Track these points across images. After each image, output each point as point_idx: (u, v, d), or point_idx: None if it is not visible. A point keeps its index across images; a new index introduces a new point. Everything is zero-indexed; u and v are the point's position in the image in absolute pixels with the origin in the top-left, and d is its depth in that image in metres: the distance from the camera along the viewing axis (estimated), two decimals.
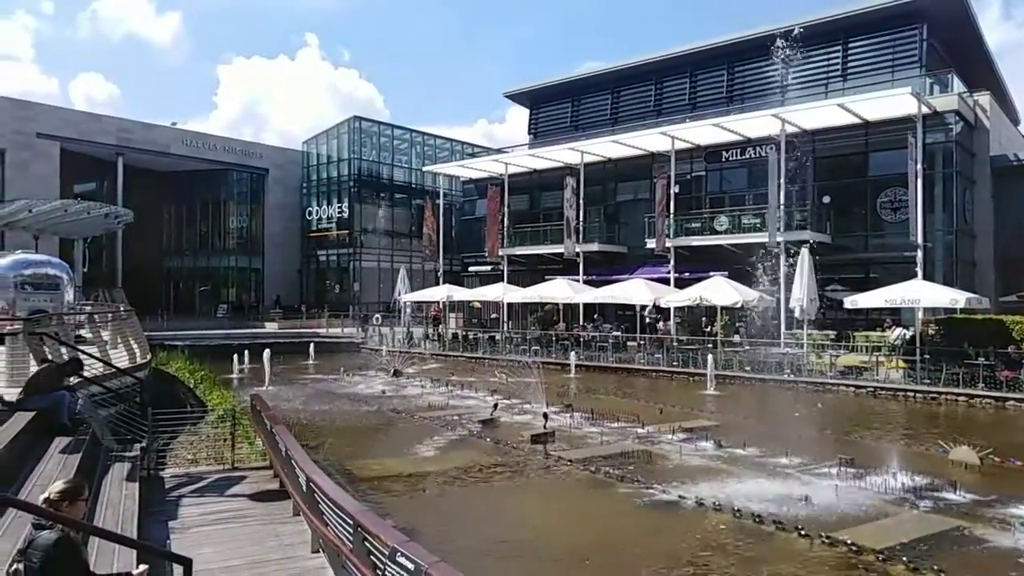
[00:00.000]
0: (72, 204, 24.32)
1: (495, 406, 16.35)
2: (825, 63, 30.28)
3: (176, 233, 50.69)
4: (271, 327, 37.74)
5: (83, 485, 4.02)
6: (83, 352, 11.76)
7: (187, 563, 4.49)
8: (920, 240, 22.52)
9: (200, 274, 49.46)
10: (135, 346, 16.17)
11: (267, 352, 22.35)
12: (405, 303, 35.03)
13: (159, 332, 29.95)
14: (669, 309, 25.41)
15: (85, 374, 11.28)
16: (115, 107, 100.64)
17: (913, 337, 20.20)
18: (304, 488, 6.53)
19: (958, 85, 27.15)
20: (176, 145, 44.92)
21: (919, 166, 22.57)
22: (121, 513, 6.45)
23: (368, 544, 4.58)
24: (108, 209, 25.75)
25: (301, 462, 6.73)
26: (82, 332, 15.59)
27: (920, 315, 21.18)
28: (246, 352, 25.48)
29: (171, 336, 30.02)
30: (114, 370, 12.69)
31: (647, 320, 25.76)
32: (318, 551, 6.46)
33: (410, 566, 3.87)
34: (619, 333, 26.93)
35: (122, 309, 18.73)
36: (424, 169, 47.02)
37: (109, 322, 16.44)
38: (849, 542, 7.88)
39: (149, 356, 17.45)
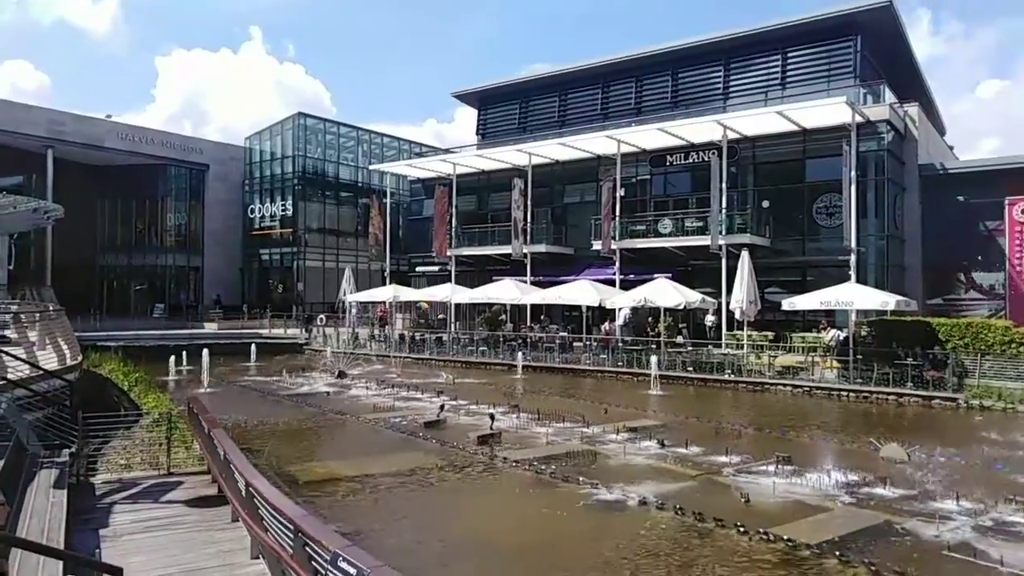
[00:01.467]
0: None
1: (441, 407, 16.27)
2: (765, 72, 31.19)
3: (111, 230, 48.76)
4: (211, 327, 36.71)
5: None
6: (7, 354, 11.22)
7: (118, 572, 4.33)
8: (853, 244, 23.38)
9: (136, 272, 47.73)
10: (64, 347, 15.51)
11: (206, 353, 21.78)
12: (350, 303, 34.56)
13: (92, 332, 28.83)
14: (615, 310, 25.71)
15: (10, 376, 10.78)
16: (45, 97, 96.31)
17: (847, 338, 20.98)
18: (243, 493, 6.37)
19: (889, 96, 28.32)
20: (111, 138, 43.27)
21: (853, 173, 23.43)
22: (47, 522, 6.18)
23: (309, 549, 4.50)
24: (36, 204, 24.60)
25: (240, 466, 6.57)
26: (6, 332, 14.89)
27: (853, 317, 22.01)
28: (184, 353, 24.76)
29: (104, 336, 28.90)
30: (41, 372, 12.14)
31: (622, 321, 25.75)
32: (258, 557, 6.32)
33: (352, 571, 3.81)
34: (566, 334, 27.16)
35: (51, 308, 17.96)
36: (371, 168, 46.52)
37: (36, 322, 15.74)
38: (786, 538, 8.13)
39: (80, 358, 16.75)
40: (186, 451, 10.41)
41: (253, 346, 29.19)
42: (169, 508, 7.98)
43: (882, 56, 30.64)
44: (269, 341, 32.74)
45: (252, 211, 48.37)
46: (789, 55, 30.55)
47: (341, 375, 23.00)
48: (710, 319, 24.76)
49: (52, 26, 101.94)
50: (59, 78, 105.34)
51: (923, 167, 27.97)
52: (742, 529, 8.42)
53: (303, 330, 35.02)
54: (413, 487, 10.68)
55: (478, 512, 10.06)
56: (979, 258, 27.54)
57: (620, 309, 25.37)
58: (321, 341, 32.16)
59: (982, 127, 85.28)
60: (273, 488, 5.93)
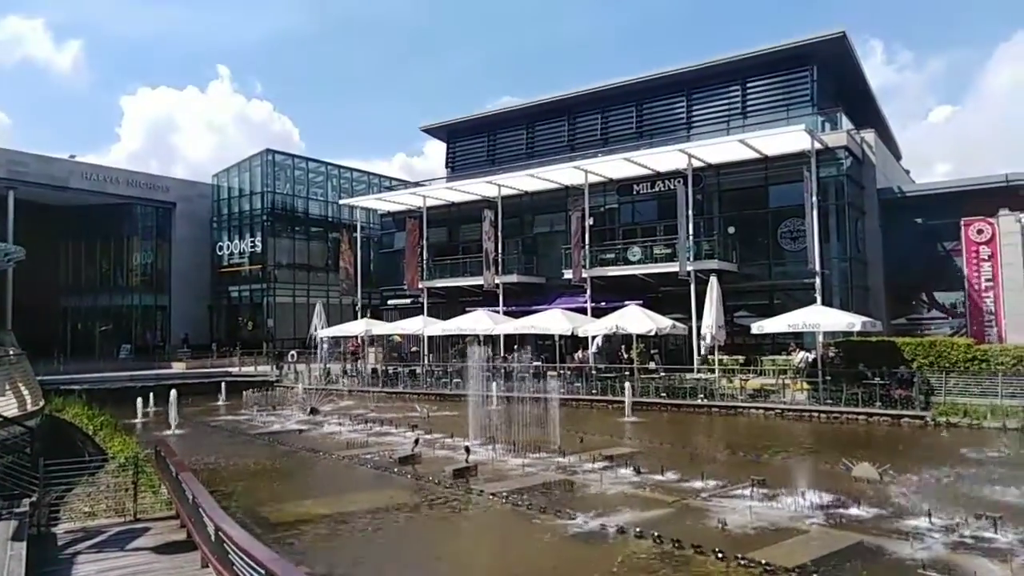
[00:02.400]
0: None
1: (416, 442, 16.10)
2: (726, 101, 32.01)
3: (75, 271, 47.82)
4: (178, 367, 35.98)
5: None
6: None
7: None
8: (818, 267, 23.83)
9: (101, 313, 46.73)
10: (25, 392, 15.11)
11: (174, 393, 21.27)
12: (322, 339, 34.20)
13: (55, 376, 28.08)
14: (587, 339, 25.78)
15: None
16: (6, 137, 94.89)
17: (815, 360, 21.27)
18: (213, 537, 6.22)
19: (846, 123, 29.18)
20: (75, 179, 42.63)
21: (814, 198, 23.98)
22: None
23: None
24: None
25: (209, 509, 6.42)
26: None
27: (820, 338, 22.35)
28: (151, 394, 24.20)
29: (68, 380, 28.13)
30: (0, 419, 11.79)
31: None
32: None
33: None
34: (539, 363, 27.12)
35: (11, 353, 17.48)
36: (341, 202, 46.43)
37: None
38: (763, 562, 8.14)
39: (42, 403, 16.30)
40: (154, 495, 10.14)
41: (223, 385, 28.64)
42: (136, 556, 7.75)
43: (838, 84, 31.64)
44: (239, 379, 32.15)
45: (220, 248, 47.84)
46: (749, 85, 31.40)
47: (313, 412, 22.66)
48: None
49: (15, 66, 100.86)
50: (21, 118, 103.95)
51: (881, 191, 28.73)
52: (720, 555, 8.42)
53: (274, 367, 34.50)
54: (389, 524, 10.51)
55: (456, 547, 9.92)
56: (939, 278, 28.24)
57: (592, 337, 25.47)
58: (292, 378, 31.70)
59: (935, 152, 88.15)
60: (244, 531, 5.80)
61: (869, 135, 28.98)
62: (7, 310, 38.21)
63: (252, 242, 46.56)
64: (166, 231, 47.41)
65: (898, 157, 39.50)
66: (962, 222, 25.03)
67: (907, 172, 39.55)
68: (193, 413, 23.10)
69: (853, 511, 10.32)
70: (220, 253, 47.78)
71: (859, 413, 18.86)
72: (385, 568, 8.74)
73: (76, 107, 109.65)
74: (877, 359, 20.20)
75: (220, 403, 26.74)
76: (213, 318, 48.26)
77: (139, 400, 23.36)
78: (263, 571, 4.71)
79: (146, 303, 46.85)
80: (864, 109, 33.59)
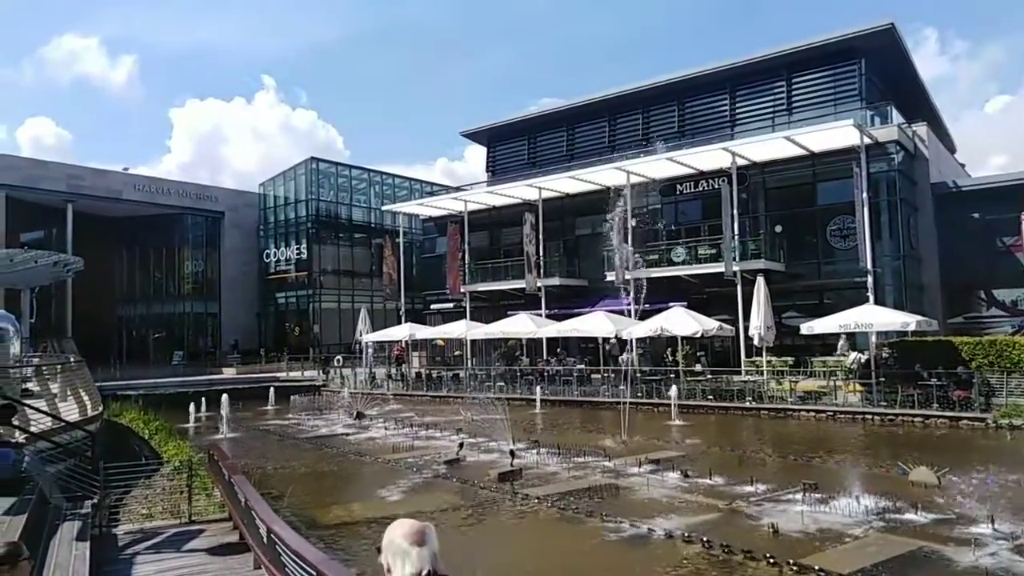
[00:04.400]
0: (19, 254, 23.56)
1: (461, 445, 16.14)
2: (771, 98, 31.41)
3: (129, 280, 49.48)
4: (229, 373, 36.84)
5: (20, 546, 3.82)
6: (30, 407, 11.32)
7: None
8: (869, 266, 23.22)
9: (154, 321, 48.25)
10: (86, 398, 15.60)
11: (225, 398, 21.78)
12: (367, 343, 34.62)
13: (112, 382, 29.00)
14: (628, 341, 25.57)
15: (32, 429, 10.85)
16: (66, 152, 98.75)
17: (868, 360, 20.68)
18: (264, 539, 6.32)
19: (897, 117, 28.37)
20: (128, 191, 44.14)
21: (865, 194, 23.39)
22: (71, 575, 6.16)
23: None
24: (57, 257, 25.00)
25: (261, 512, 6.52)
26: (29, 385, 15.01)
27: (873, 339, 21.73)
28: (203, 400, 24.80)
29: (124, 386, 29.05)
30: (63, 424, 12.22)
31: (609, 351, 25.96)
32: None
33: None
34: (583, 366, 26.99)
35: (72, 360, 18.11)
36: (383, 208, 47.02)
37: (58, 374, 15.86)
38: (817, 568, 7.92)
39: (101, 408, 16.84)
40: (207, 498, 10.37)
41: (271, 390, 29.20)
42: (191, 557, 7.92)
43: (887, 78, 30.78)
44: (287, 384, 32.75)
45: (267, 256, 48.90)
46: (794, 81, 30.77)
47: (359, 416, 22.93)
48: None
49: (71, 84, 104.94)
50: (79, 133, 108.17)
51: (935, 186, 27.85)
52: (772, 560, 8.23)
53: (320, 372, 35.06)
54: (436, 527, 10.53)
55: (502, 550, 9.92)
56: (998, 274, 27.22)
57: (616, 340, 25.41)
58: (339, 382, 32.14)
59: (991, 143, 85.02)
60: (294, 533, 5.88)
61: (921, 128, 28.14)
62: (67, 319, 39.71)
63: (298, 249, 47.47)
64: (215, 240, 48.70)
65: (952, 150, 38.24)
66: (1022, 216, 24.09)
67: (962, 165, 38.30)
68: (243, 417, 23.60)
69: (910, 516, 9.97)
70: (267, 260, 48.84)
71: (915, 415, 18.26)
72: None
73: (130, 121, 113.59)
74: (933, 359, 19.53)
75: (269, 408, 27.27)
76: (261, 324, 49.33)
77: (192, 405, 23.96)
78: (314, 572, 4.76)
79: (197, 310, 48.17)
80: (915, 102, 32.62)
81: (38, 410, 11.76)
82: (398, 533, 2.36)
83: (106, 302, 47.09)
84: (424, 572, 2.25)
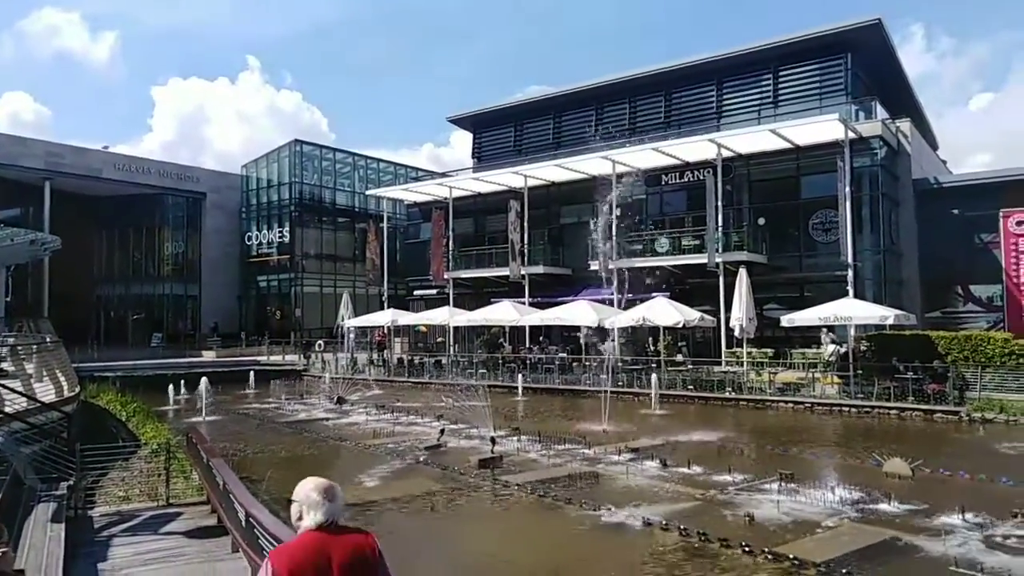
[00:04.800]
0: None
1: (441, 432, 16.18)
2: (757, 90, 31.52)
3: (108, 260, 48.83)
4: (209, 356, 36.59)
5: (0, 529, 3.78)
6: (4, 387, 11.17)
7: None
8: (850, 259, 23.43)
9: (133, 302, 47.67)
10: (62, 379, 15.44)
11: (204, 381, 21.62)
12: (348, 328, 34.49)
13: (89, 363, 28.70)
14: (610, 330, 25.69)
15: (7, 410, 10.72)
16: (45, 129, 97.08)
17: (846, 353, 20.94)
18: (243, 522, 6.30)
19: (881, 112, 28.58)
20: (108, 169, 43.45)
21: (848, 189, 23.56)
22: (45, 557, 6.12)
23: None
24: (34, 236, 24.70)
25: (239, 496, 6.50)
26: (3, 365, 14.82)
27: (852, 332, 21.98)
28: (182, 382, 24.62)
29: (102, 367, 28.76)
30: (39, 404, 12.07)
31: (583, 341, 26.10)
32: None
33: None
34: (565, 355, 27.08)
35: (48, 340, 17.88)
36: (368, 193, 46.71)
37: (33, 354, 15.66)
38: (792, 556, 8.04)
39: (78, 389, 16.67)
40: (185, 481, 10.33)
41: (251, 373, 29.06)
42: (168, 540, 7.89)
43: (873, 73, 30.98)
44: (267, 368, 32.60)
45: (249, 238, 48.47)
46: (781, 74, 30.87)
47: (340, 401, 22.88)
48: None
49: (51, 58, 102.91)
50: (58, 109, 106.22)
51: (917, 181, 28.13)
52: (747, 549, 8.33)
53: (301, 356, 34.91)
54: (415, 513, 10.58)
55: (482, 537, 9.96)
56: (976, 271, 27.61)
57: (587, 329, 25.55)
58: (320, 367, 32.03)
59: (975, 141, 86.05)
60: (273, 517, 5.86)
61: (905, 124, 28.36)
62: (44, 298, 39.16)
63: (280, 232, 47.09)
64: (196, 221, 48.15)
65: (935, 147, 38.62)
66: (1001, 213, 24.44)
67: (944, 162, 38.68)
68: (223, 401, 23.47)
69: (884, 507, 10.14)
70: (249, 243, 48.42)
71: (891, 408, 18.54)
72: (410, 555, 8.80)
73: (111, 98, 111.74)
74: (910, 353, 19.82)
75: (249, 391, 27.15)
76: (242, 307, 48.98)
77: (171, 388, 23.79)
78: None
79: (177, 292, 47.68)
80: (900, 98, 32.86)
81: (12, 390, 11.61)
82: (311, 487, 2.91)
83: (84, 282, 46.45)
84: (329, 521, 2.85)
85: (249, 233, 48.51)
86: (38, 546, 6.39)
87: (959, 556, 8.08)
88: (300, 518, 2.89)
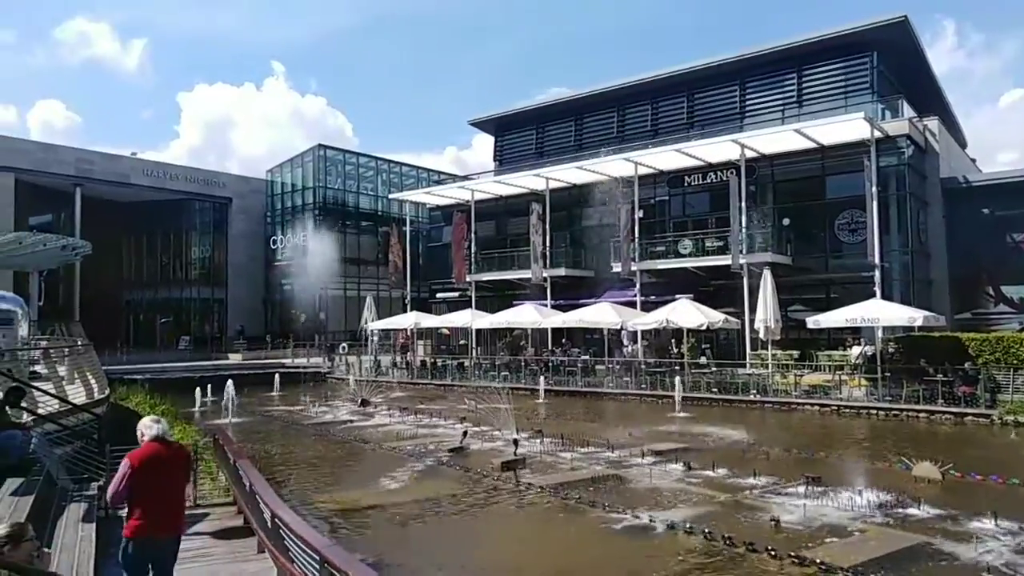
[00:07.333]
0: (27, 236, 23.65)
1: (464, 434, 16.20)
2: (781, 90, 31.20)
3: (136, 264, 49.66)
4: (235, 359, 37.00)
5: (25, 527, 3.85)
6: (38, 389, 11.39)
7: None
8: (877, 260, 23.09)
9: (161, 306, 48.41)
10: (93, 381, 15.70)
11: (230, 384, 21.89)
12: (372, 331, 34.69)
13: (119, 366, 29.17)
14: (634, 332, 25.59)
15: (40, 411, 10.93)
16: (76, 135, 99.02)
17: (874, 355, 20.61)
18: (268, 524, 6.37)
19: (908, 110, 28.13)
20: (136, 175, 44.19)
21: (874, 188, 23.23)
22: (76, 556, 6.22)
23: None
24: (65, 241, 25.08)
25: (265, 497, 6.57)
26: (37, 368, 15.11)
27: (880, 334, 21.65)
28: (209, 385, 24.91)
29: (131, 370, 29.22)
30: (70, 407, 12.29)
31: (623, 343, 26.01)
32: None
33: None
34: (587, 357, 26.99)
35: (79, 343, 18.21)
36: (390, 197, 46.93)
37: (65, 357, 15.96)
38: (818, 561, 7.94)
39: (108, 391, 16.94)
40: (211, 482, 10.45)
41: (277, 376, 29.33)
42: (196, 540, 7.98)
43: (899, 71, 30.51)
44: (292, 371, 32.90)
45: (274, 242, 48.96)
46: (805, 73, 30.53)
47: (364, 403, 23.03)
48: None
49: (81, 66, 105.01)
50: (88, 116, 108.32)
51: (945, 180, 27.64)
52: (773, 553, 8.24)
53: (326, 359, 35.19)
54: (438, 515, 10.61)
55: (504, 539, 9.96)
56: (1007, 271, 27.05)
57: (622, 331, 25.40)
58: (344, 370, 32.26)
59: (1004, 139, 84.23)
60: (298, 518, 5.92)
61: (932, 123, 27.90)
62: (75, 302, 39.90)
63: (304, 236, 47.48)
64: (222, 226, 48.75)
65: (963, 145, 37.93)
66: None
67: (973, 161, 37.96)
68: (249, 403, 23.74)
69: (913, 511, 9.97)
70: (274, 247, 48.88)
71: (920, 410, 18.22)
72: (433, 557, 8.83)
73: (139, 104, 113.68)
74: (940, 355, 19.45)
75: (274, 394, 27.41)
76: (267, 310, 49.44)
77: (197, 390, 24.10)
78: (318, 557, 4.80)
79: (204, 296, 48.31)
80: (927, 96, 32.33)
81: (46, 392, 11.84)
82: (148, 419, 5.39)
83: (113, 286, 47.27)
84: (159, 436, 5.25)
85: (274, 237, 49.00)
86: (70, 546, 6.50)
87: (991, 563, 7.92)
88: (143, 435, 5.27)
